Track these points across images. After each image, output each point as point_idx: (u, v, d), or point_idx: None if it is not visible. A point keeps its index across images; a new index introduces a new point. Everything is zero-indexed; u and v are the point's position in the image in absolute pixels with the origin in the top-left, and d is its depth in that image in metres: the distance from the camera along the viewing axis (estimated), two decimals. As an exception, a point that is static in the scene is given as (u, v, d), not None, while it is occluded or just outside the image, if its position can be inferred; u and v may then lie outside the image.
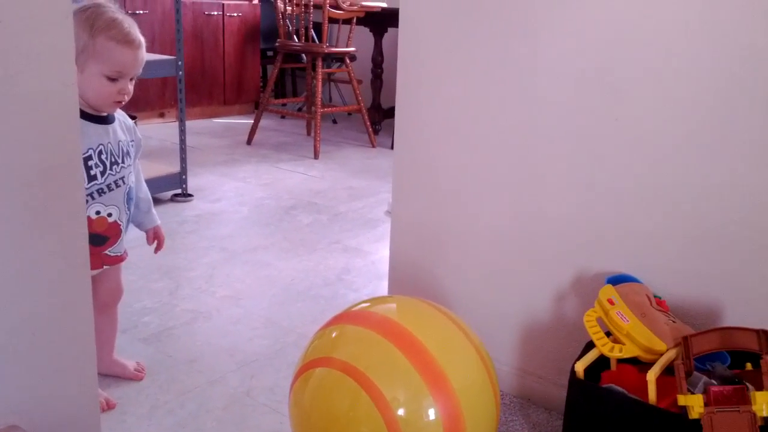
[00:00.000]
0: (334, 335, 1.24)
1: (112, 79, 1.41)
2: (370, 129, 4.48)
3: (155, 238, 1.68)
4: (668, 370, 1.22)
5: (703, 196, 1.33)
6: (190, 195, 3.14)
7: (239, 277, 2.29)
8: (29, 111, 0.98)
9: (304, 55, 4.99)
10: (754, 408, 1.07)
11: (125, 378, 1.65)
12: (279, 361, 1.78)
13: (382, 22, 4.57)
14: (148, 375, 1.68)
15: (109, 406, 1.53)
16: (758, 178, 1.27)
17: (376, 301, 1.35)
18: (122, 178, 1.50)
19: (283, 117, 5.28)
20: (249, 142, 4.36)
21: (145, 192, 1.65)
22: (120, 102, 1.45)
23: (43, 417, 1.09)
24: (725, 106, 1.28)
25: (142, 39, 1.45)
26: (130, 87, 1.45)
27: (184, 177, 3.11)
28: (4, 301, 1.01)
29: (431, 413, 1.12)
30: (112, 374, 1.64)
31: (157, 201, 3.01)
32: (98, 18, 1.39)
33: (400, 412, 1.11)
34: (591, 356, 1.28)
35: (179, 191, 3.12)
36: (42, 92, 0.99)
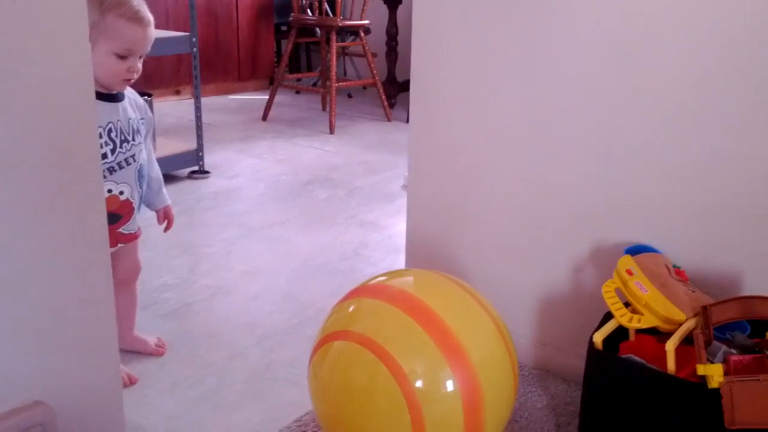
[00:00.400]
0: (351, 309, 1.25)
1: (122, 57, 1.41)
2: (386, 103, 4.46)
3: (165, 217, 1.69)
4: (687, 340, 1.22)
5: (722, 164, 1.31)
6: (207, 172, 3.15)
7: (257, 253, 2.30)
8: (45, 91, 0.98)
9: (318, 29, 4.95)
10: (775, 377, 1.06)
11: (146, 354, 1.67)
12: (298, 335, 1.79)
13: (396, -6, 4.52)
14: (168, 350, 1.70)
15: (131, 382, 1.55)
16: (779, 145, 1.25)
17: (393, 274, 1.35)
18: (133, 156, 1.50)
19: (298, 92, 5.26)
20: (264, 118, 4.35)
21: (157, 171, 1.65)
22: (129, 80, 1.45)
23: (66, 393, 1.11)
24: (745, 75, 1.26)
25: (151, 17, 1.45)
26: (139, 65, 1.46)
27: (200, 154, 3.11)
28: (26, 280, 1.02)
29: (449, 385, 1.12)
30: (133, 350, 1.67)
31: (174, 178, 3.03)
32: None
33: (419, 384, 1.12)
34: (609, 327, 1.28)
35: (196, 168, 3.13)
36: (57, 71, 0.99)
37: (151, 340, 1.69)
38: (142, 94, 3.00)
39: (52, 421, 1.05)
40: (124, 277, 1.62)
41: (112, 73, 1.43)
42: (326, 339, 1.22)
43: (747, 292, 1.33)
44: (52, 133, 1.00)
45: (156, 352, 1.68)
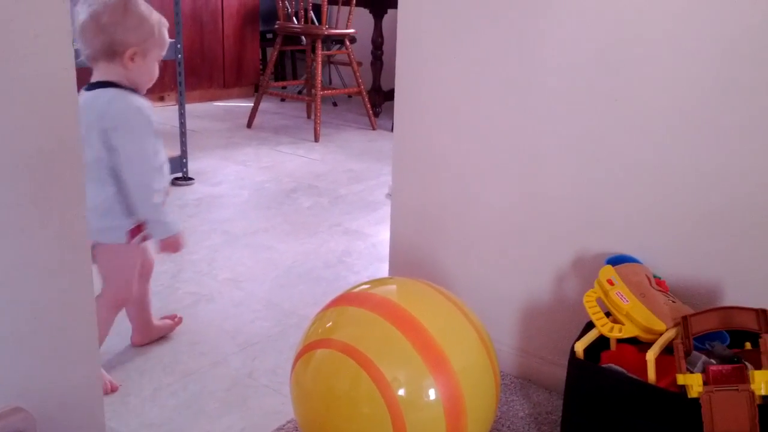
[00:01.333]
0: (334, 317, 1.25)
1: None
2: (371, 111, 4.47)
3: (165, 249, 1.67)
4: (668, 350, 1.23)
5: (703, 176, 1.33)
6: (191, 178, 3.14)
7: (240, 260, 2.30)
8: (28, 95, 0.98)
9: (303, 38, 4.96)
10: (753, 387, 1.08)
11: (171, 332, 1.81)
12: (281, 343, 1.79)
13: (382, 3, 4.54)
14: (150, 358, 1.69)
15: (112, 389, 1.54)
16: (758, 158, 1.27)
17: (376, 282, 1.35)
18: None
19: (283, 100, 5.26)
20: (249, 125, 4.35)
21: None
22: None
23: (46, 399, 1.10)
24: (726, 87, 1.28)
25: None
26: None
27: (184, 161, 3.10)
28: (6, 286, 1.01)
29: (432, 393, 1.13)
30: (160, 336, 1.78)
31: (157, 185, 3.01)
32: (152, 7, 1.57)
33: (401, 392, 1.12)
34: (591, 336, 1.29)
35: (180, 175, 3.12)
36: (40, 75, 0.99)
37: (169, 321, 1.83)
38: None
39: (31, 427, 1.05)
40: (146, 272, 1.73)
41: (154, 77, 1.59)
42: (309, 347, 1.22)
43: (726, 303, 1.35)
44: (35, 137, 1.00)
45: (175, 326, 1.83)
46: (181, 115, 3.08)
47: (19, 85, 0.97)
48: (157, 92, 4.74)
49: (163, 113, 4.55)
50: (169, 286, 2.08)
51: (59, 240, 1.06)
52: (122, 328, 1.74)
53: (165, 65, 5.18)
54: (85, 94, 1.52)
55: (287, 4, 4.45)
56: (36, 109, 0.99)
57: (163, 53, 1.59)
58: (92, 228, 1.38)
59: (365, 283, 1.33)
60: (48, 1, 0.98)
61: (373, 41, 4.68)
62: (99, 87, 1.52)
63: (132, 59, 1.51)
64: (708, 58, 1.28)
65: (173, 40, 2.93)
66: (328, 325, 1.24)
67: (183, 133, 3.08)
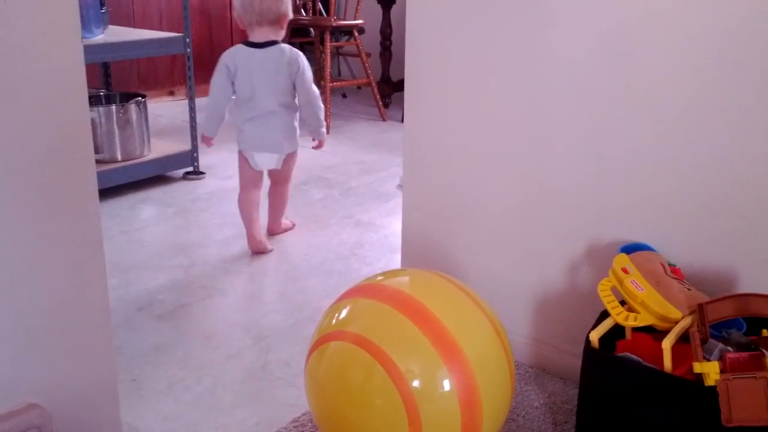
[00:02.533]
0: (347, 309, 1.24)
1: None
2: (380, 102, 4.45)
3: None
4: (684, 338, 1.22)
5: (716, 162, 1.32)
6: (202, 172, 3.14)
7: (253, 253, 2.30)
8: (37, 91, 0.98)
9: (312, 29, 4.95)
10: (771, 374, 1.06)
11: (288, 232, 2.42)
12: (294, 336, 1.79)
13: (390, -7, 4.52)
14: (164, 352, 1.69)
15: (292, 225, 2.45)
16: (774, 142, 1.26)
17: (388, 274, 1.35)
18: None
19: (292, 92, 5.25)
20: (259, 118, 4.34)
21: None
22: None
23: (61, 395, 1.10)
24: (734, 72, 1.26)
25: None
26: None
27: (195, 155, 3.11)
28: (20, 281, 1.02)
29: (446, 384, 1.12)
30: (284, 230, 2.43)
31: (168, 179, 3.02)
32: None
33: (415, 383, 1.12)
34: (606, 325, 1.28)
35: (191, 169, 3.12)
36: (49, 72, 0.99)
37: (289, 222, 2.49)
38: (135, 95, 3.01)
39: (48, 423, 1.05)
40: (276, 179, 2.39)
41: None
42: (322, 339, 1.22)
43: (742, 290, 1.33)
44: (45, 134, 1.00)
45: (291, 226, 2.49)
46: (191, 109, 3.08)
47: (28, 82, 0.97)
48: (167, 87, 4.75)
49: (173, 108, 4.55)
50: (181, 280, 2.08)
51: (72, 236, 1.06)
52: (135, 322, 1.75)
53: (174, 60, 5.19)
54: (257, 51, 2.20)
55: (295, -4, 4.44)
56: (46, 106, 0.99)
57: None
58: (286, 145, 2.32)
59: (378, 275, 1.33)
60: (56, -4, 0.97)
61: (382, 32, 4.66)
62: (269, 45, 2.21)
63: (283, 25, 2.22)
64: (716, 44, 1.27)
65: (182, 34, 2.93)
66: (341, 317, 1.24)
67: (193, 128, 3.08)
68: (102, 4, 2.83)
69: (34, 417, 1.04)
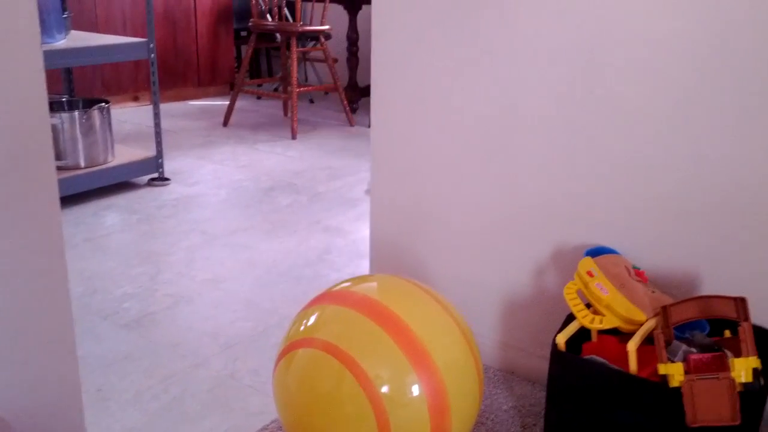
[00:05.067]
0: (315, 315, 1.24)
1: None
2: (348, 108, 4.45)
3: None
4: (648, 340, 1.24)
5: (681, 168, 1.34)
6: (167, 179, 3.11)
7: (220, 260, 2.28)
8: (-3, 97, 0.96)
9: (278, 35, 4.93)
10: (733, 374, 1.08)
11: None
12: (262, 343, 1.77)
13: (356, -1, 4.53)
14: (130, 361, 1.67)
15: None
16: (734, 149, 1.28)
17: (357, 280, 1.34)
18: None
19: (259, 98, 5.23)
20: (225, 123, 4.32)
21: None
22: None
23: (24, 406, 1.08)
24: (705, 82, 1.28)
25: None
26: None
27: (160, 161, 3.07)
28: (-20, 291, 0.99)
29: (415, 389, 1.12)
30: None
31: (133, 186, 2.99)
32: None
33: (384, 389, 1.11)
34: (572, 328, 1.29)
35: (156, 175, 3.09)
36: (8, 77, 0.97)
37: None
38: (99, 101, 2.97)
39: (9, 436, 1.03)
40: None
41: None
42: (291, 346, 1.22)
43: (705, 292, 1.36)
44: (4, 140, 0.98)
45: None
46: (156, 114, 3.05)
47: (-13, 88, 0.95)
48: (131, 92, 4.69)
49: (138, 113, 4.50)
50: (147, 288, 2.06)
51: (33, 244, 1.04)
52: (100, 331, 1.72)
53: (138, 65, 5.17)
54: None
55: (261, 1, 4.42)
56: (4, 112, 0.97)
57: None
58: None
59: (346, 281, 1.32)
60: (14, 1, 0.96)
61: (348, 37, 4.66)
62: None
63: None
64: (688, 53, 1.29)
65: (146, 39, 2.90)
66: (309, 323, 1.23)
67: (158, 133, 3.05)
68: (64, 9, 2.78)
69: (-4, 430, 1.01)
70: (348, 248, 2.43)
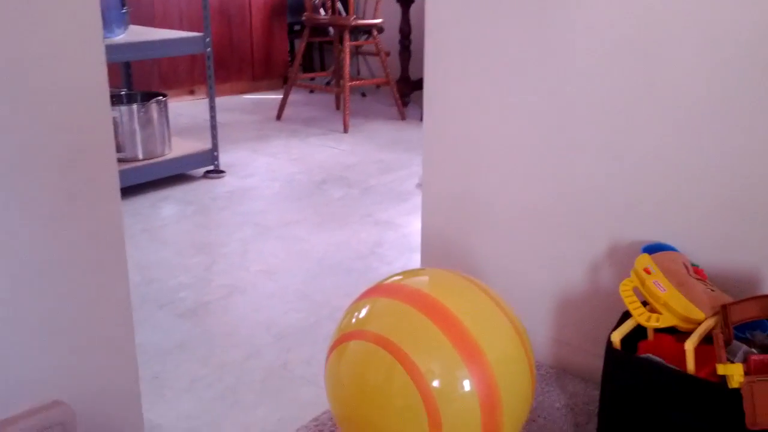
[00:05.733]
0: (367, 308, 1.24)
1: None
2: (399, 101, 4.45)
3: None
4: (707, 340, 1.21)
5: (740, 161, 1.30)
6: (222, 171, 3.16)
7: (273, 252, 2.31)
8: (60, 91, 0.99)
9: (331, 29, 4.96)
10: (796, 376, 1.05)
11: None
12: (314, 334, 1.79)
13: (409, -8, 4.52)
14: (185, 349, 1.70)
15: None
16: (799, 141, 1.24)
17: (408, 273, 1.35)
18: None
19: (311, 91, 5.27)
20: (278, 117, 4.36)
21: None
22: None
23: (84, 391, 1.11)
24: (759, 70, 1.24)
25: None
26: None
27: (215, 154, 3.13)
28: (44, 280, 1.03)
29: (466, 385, 1.12)
30: None
31: (189, 178, 3.04)
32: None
33: (435, 383, 1.11)
34: (627, 326, 1.27)
35: (211, 168, 3.14)
36: (71, 71, 1.00)
37: None
38: (156, 95, 3.03)
39: (71, 420, 1.06)
40: None
41: None
42: (342, 338, 1.22)
43: (766, 291, 1.32)
44: (68, 133, 1.01)
45: None
46: (212, 108, 3.10)
47: (50, 83, 0.98)
48: (186, 86, 4.78)
49: (194, 107, 4.58)
50: (202, 279, 2.10)
51: (95, 236, 1.07)
52: (156, 320, 1.76)
53: (194, 59, 5.25)
54: None
55: (314, -5, 4.45)
56: (68, 106, 1.00)
57: None
58: None
59: (397, 274, 1.32)
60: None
61: (401, 31, 4.65)
62: None
63: None
64: (743, 41, 1.25)
65: (202, 33, 2.95)
66: (361, 316, 1.24)
67: (213, 127, 3.10)
68: (123, 5, 2.85)
69: (58, 414, 1.05)
70: (399, 242, 2.43)
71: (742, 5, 1.24)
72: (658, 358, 1.22)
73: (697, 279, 1.30)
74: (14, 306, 1.01)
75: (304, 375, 1.61)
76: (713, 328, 1.20)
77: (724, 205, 1.34)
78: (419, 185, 3.03)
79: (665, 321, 1.24)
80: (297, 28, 5.46)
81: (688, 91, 1.33)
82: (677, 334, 1.28)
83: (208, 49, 2.97)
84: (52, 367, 1.07)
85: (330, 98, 5.04)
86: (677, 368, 1.19)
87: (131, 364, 1.19)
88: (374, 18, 4.28)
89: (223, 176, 3.13)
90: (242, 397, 1.53)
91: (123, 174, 2.75)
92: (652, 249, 1.38)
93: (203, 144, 3.18)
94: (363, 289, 1.32)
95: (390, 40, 5.05)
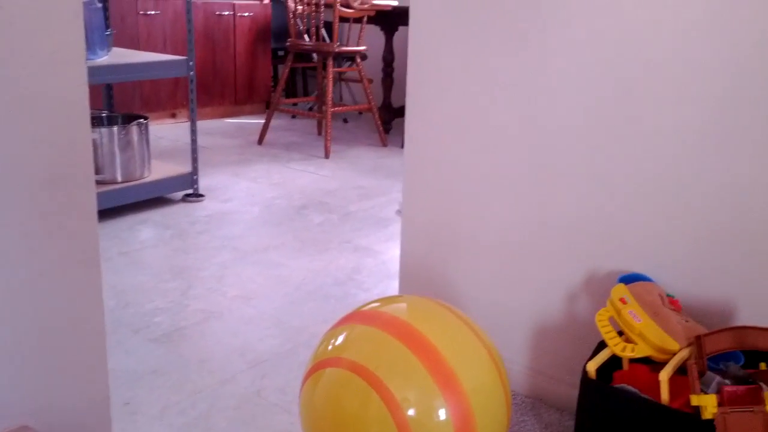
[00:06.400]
0: (344, 335, 1.24)
1: None
2: (381, 128, 4.47)
3: None
4: (681, 370, 1.21)
5: (716, 193, 1.32)
6: (202, 195, 3.15)
7: (250, 277, 2.29)
8: (41, 111, 0.99)
9: (314, 55, 4.99)
10: (769, 408, 1.06)
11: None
12: (290, 361, 1.78)
13: (393, 20, 4.56)
14: (159, 375, 1.68)
15: None
16: (772, 175, 1.26)
17: (386, 300, 1.34)
18: None
19: (294, 117, 5.29)
20: (260, 141, 4.36)
21: None
22: None
23: (54, 417, 1.09)
24: (738, 103, 1.27)
25: None
26: None
27: (195, 177, 3.11)
28: (16, 303, 1.01)
29: (442, 413, 1.11)
30: None
31: (168, 201, 3.03)
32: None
33: (411, 412, 1.11)
34: (603, 356, 1.27)
35: (191, 191, 3.13)
36: (53, 92, 0.99)
37: None
38: (137, 117, 3.02)
39: (39, 446, 1.04)
40: None
41: None
42: (318, 365, 1.22)
43: (740, 322, 1.33)
44: (47, 153, 1.00)
45: None
46: (193, 131, 3.09)
47: (32, 102, 0.97)
48: (169, 109, 4.77)
49: (175, 130, 4.57)
50: (178, 303, 2.08)
51: (69, 256, 1.06)
52: (130, 345, 1.74)
53: (177, 82, 5.25)
54: None
55: (299, 21, 4.48)
56: (48, 126, 1.00)
57: None
58: None
59: (375, 301, 1.32)
60: (61, 19, 0.98)
61: (384, 58, 4.69)
62: None
63: None
64: (717, 74, 1.27)
65: (185, 57, 2.96)
66: (337, 343, 1.23)
67: (194, 150, 3.09)
68: (107, 27, 2.85)
69: (26, 439, 1.03)
70: (378, 268, 2.43)
71: (727, 37, 1.26)
72: (633, 389, 1.22)
73: (672, 310, 1.31)
74: (-16, 328, 0.99)
75: (279, 402, 1.60)
76: (687, 359, 1.21)
77: (699, 237, 1.35)
78: (399, 212, 3.04)
79: (640, 351, 1.25)
80: (281, 53, 5.49)
81: (669, 125, 1.35)
82: (652, 364, 1.28)
83: (191, 73, 2.98)
84: (22, 391, 1.05)
85: (312, 124, 5.06)
86: (652, 398, 1.19)
87: (103, 390, 1.18)
88: (358, 45, 4.31)
89: (202, 200, 3.11)
90: (215, 424, 1.51)
91: (101, 196, 2.73)
92: (629, 279, 1.39)
93: (183, 167, 3.17)
94: (340, 315, 1.32)
95: (373, 67, 5.09)
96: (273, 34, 5.34)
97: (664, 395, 1.17)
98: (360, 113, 5.52)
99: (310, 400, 1.21)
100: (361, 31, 4.37)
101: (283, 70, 4.37)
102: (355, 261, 2.48)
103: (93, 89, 4.04)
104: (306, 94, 5.80)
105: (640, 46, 1.34)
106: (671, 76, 1.32)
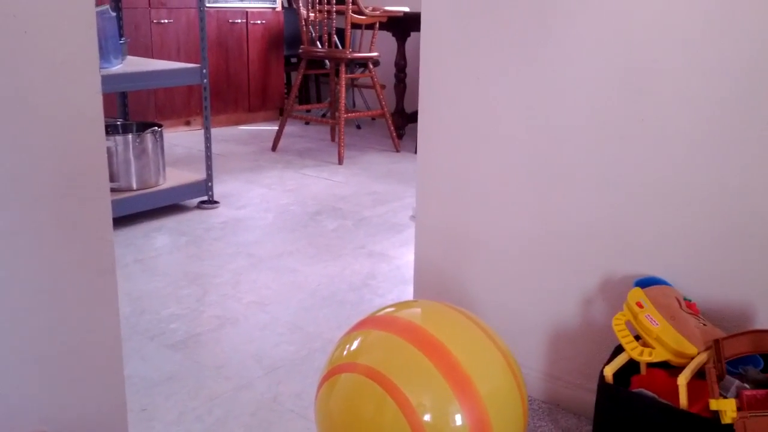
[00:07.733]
0: (359, 340, 1.24)
1: None
2: (394, 134, 4.48)
3: None
4: (699, 374, 1.20)
5: (733, 195, 1.31)
6: (216, 202, 3.16)
7: (265, 283, 2.30)
8: (55, 119, 0.99)
9: (327, 61, 5.00)
10: (789, 412, 1.04)
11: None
12: (306, 367, 1.78)
13: (405, 26, 4.57)
14: (175, 381, 1.69)
15: None
16: (790, 177, 1.25)
17: (401, 306, 1.34)
18: None
19: (307, 123, 5.30)
20: (274, 148, 4.38)
21: None
22: None
23: (71, 423, 1.10)
24: (752, 103, 1.26)
25: None
26: None
27: (210, 184, 3.13)
28: (31, 309, 1.02)
29: (458, 419, 1.11)
30: None
31: (183, 208, 3.04)
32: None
33: (426, 417, 1.10)
34: (620, 360, 1.26)
35: (205, 198, 3.14)
36: (67, 101, 1.00)
37: None
38: (152, 125, 3.04)
39: (56, 453, 1.05)
40: None
41: None
42: (333, 371, 1.21)
43: (759, 326, 1.32)
44: (62, 162, 1.01)
45: None
46: (207, 139, 3.11)
47: (46, 111, 0.98)
48: (183, 117, 4.80)
49: (189, 138, 4.60)
50: (194, 309, 2.08)
51: (85, 264, 1.07)
52: (146, 352, 1.75)
53: (190, 90, 5.28)
54: None
55: (311, 28, 4.50)
56: (63, 134, 1.01)
57: None
58: None
59: (390, 306, 1.32)
60: (75, 27, 0.99)
61: (397, 64, 4.70)
62: None
63: None
64: (728, 76, 1.27)
65: (199, 65, 2.97)
66: (352, 348, 1.23)
67: (209, 157, 3.11)
68: (121, 35, 2.87)
69: (44, 446, 1.03)
70: (392, 274, 2.42)
71: (737, 40, 1.26)
72: (651, 393, 1.21)
73: (690, 313, 1.29)
74: (1, 334, 1.00)
75: (294, 408, 1.60)
76: (706, 363, 1.20)
77: (717, 240, 1.34)
78: (413, 217, 3.03)
79: (658, 355, 1.24)
80: (294, 60, 5.51)
81: (681, 126, 1.34)
82: (670, 368, 1.27)
83: (205, 81, 2.99)
84: (39, 398, 1.06)
85: (325, 130, 5.07)
86: (670, 403, 1.18)
87: (119, 396, 1.18)
88: (370, 51, 4.32)
89: (217, 207, 3.12)
90: (232, 431, 1.51)
91: (116, 204, 2.75)
92: (645, 283, 1.38)
93: (198, 174, 3.18)
94: (355, 321, 1.31)
95: (386, 73, 5.10)
96: (286, 41, 5.36)
97: (683, 400, 1.16)
98: (373, 119, 5.53)
99: (325, 406, 1.21)
100: (373, 38, 4.37)
101: (296, 77, 4.38)
102: (370, 266, 2.48)
103: (107, 98, 4.07)
104: (319, 100, 5.82)
105: (650, 51, 1.34)
106: (682, 80, 1.31)
